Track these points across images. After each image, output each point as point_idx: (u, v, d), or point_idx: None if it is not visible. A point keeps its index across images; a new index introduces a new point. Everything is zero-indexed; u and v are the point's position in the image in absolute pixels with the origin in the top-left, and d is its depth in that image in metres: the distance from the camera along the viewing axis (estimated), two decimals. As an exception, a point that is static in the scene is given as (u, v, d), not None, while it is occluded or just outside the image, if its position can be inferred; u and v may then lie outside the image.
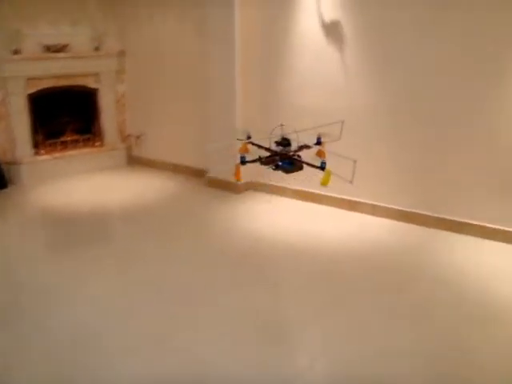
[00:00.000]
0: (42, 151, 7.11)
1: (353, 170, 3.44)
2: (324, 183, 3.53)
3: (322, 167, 3.54)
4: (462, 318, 3.53)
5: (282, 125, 3.70)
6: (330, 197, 5.70)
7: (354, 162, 3.42)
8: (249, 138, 3.89)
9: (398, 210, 5.29)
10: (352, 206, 5.57)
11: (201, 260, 4.47)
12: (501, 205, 4.76)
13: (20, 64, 6.70)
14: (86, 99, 7.51)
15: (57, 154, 7.19)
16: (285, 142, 3.68)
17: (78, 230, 5.28)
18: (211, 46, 6.08)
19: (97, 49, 7.25)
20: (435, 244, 4.80)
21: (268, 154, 3.73)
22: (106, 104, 7.56)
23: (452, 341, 3.27)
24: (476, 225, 4.88)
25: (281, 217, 5.51)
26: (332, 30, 5.34)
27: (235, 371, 2.95)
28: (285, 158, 3.67)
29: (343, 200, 5.63)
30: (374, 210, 5.43)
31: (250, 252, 4.62)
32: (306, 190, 5.86)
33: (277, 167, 3.73)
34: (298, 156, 3.68)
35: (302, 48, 5.59)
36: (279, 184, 6.04)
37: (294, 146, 3.68)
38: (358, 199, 5.54)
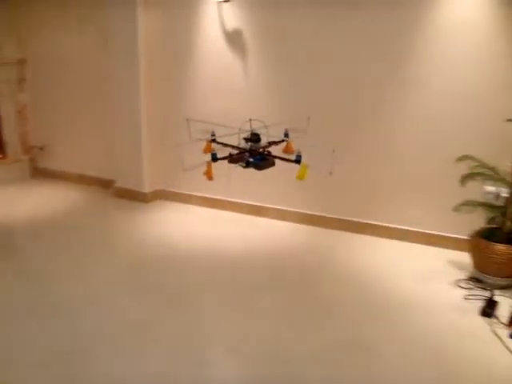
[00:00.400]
0: None
1: (331, 160, 3.33)
2: (300, 177, 3.35)
3: (298, 161, 3.35)
4: (363, 315, 3.64)
5: (250, 120, 3.53)
6: (237, 203, 5.74)
7: (333, 151, 3.35)
8: (213, 135, 3.74)
9: (303, 214, 5.40)
10: (258, 211, 5.63)
11: (97, 273, 4.36)
12: (400, 206, 4.95)
13: None
14: (-16, 109, 7.21)
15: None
16: (254, 138, 3.52)
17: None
18: (114, 55, 5.98)
19: (-6, 57, 6.99)
20: (338, 245, 4.94)
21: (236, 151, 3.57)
22: (7, 114, 7.26)
23: (352, 336, 3.35)
24: (375, 225, 5.07)
25: (188, 224, 5.48)
26: (233, 36, 5.38)
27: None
28: (255, 155, 3.51)
29: (249, 205, 5.68)
30: (279, 215, 5.51)
31: (152, 260, 4.55)
32: (213, 197, 5.87)
33: (248, 164, 3.54)
34: (268, 152, 3.54)
35: (206, 54, 5.59)
36: (186, 192, 6.02)
37: (263, 142, 3.56)
38: (263, 204, 5.60)
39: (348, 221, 5.20)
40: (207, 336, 3.38)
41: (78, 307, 3.75)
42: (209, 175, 3.43)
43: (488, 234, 4.13)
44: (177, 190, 6.11)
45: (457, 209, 4.19)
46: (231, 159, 3.51)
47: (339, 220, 5.23)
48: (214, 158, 3.37)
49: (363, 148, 5.00)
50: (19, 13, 7.08)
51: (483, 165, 4.14)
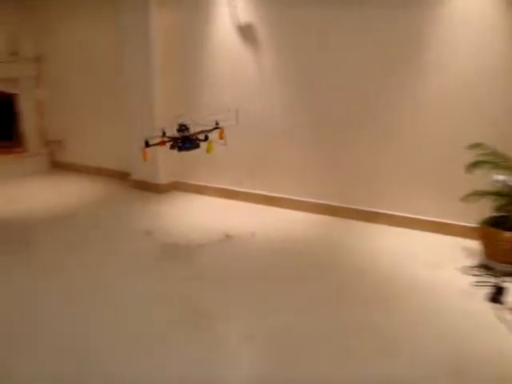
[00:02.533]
0: (-38, 159, 6.95)
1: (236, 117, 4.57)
2: (208, 151, 4.44)
3: (206, 138, 4.42)
4: (374, 299, 3.72)
5: (180, 114, 4.61)
6: (250, 193, 5.83)
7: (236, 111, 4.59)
8: (164, 133, 4.62)
9: (316, 203, 5.48)
10: (270, 201, 5.72)
11: (116, 262, 4.48)
12: (409, 195, 5.01)
13: None
14: (5, 105, 7.37)
15: (-22, 162, 7.05)
16: (183, 128, 4.50)
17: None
18: (127, 50, 6.11)
19: (14, 53, 7.13)
20: (351, 233, 5.01)
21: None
22: (26, 109, 7.44)
23: (363, 320, 3.44)
24: (387, 214, 5.13)
25: (202, 215, 5.59)
26: (246, 32, 5.46)
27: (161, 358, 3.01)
28: (184, 140, 4.49)
29: (262, 196, 5.76)
30: (293, 205, 5.59)
31: (170, 248, 4.67)
32: (227, 187, 5.97)
33: (179, 148, 4.52)
34: (196, 137, 4.48)
35: (219, 49, 5.69)
36: (201, 183, 6.14)
37: (193, 131, 4.49)
38: (276, 194, 5.69)
39: (360, 210, 5.26)
40: (225, 321, 3.50)
41: (96, 295, 3.89)
42: (145, 157, 4.44)
43: (497, 222, 4.19)
44: (191, 181, 6.23)
45: (465, 199, 4.25)
46: (171, 146, 4.56)
47: (352, 209, 5.29)
48: (147, 144, 4.43)
49: (375, 137, 5.06)
50: (37, 11, 7.24)
51: (494, 153, 4.19)
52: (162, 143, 4.60)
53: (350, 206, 5.31)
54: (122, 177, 6.78)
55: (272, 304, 3.70)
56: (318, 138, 5.33)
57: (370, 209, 5.22)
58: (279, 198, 5.69)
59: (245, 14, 5.43)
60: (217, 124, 4.62)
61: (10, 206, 6.01)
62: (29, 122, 7.48)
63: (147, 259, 4.52)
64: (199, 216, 5.55)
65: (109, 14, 6.45)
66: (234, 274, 4.19)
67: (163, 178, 6.25)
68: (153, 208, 5.82)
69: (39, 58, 7.37)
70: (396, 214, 5.11)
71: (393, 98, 4.90)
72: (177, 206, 5.88)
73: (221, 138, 4.58)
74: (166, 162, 6.24)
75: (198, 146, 4.53)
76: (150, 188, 6.30)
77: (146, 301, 3.76)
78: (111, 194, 6.39)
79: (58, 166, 7.56)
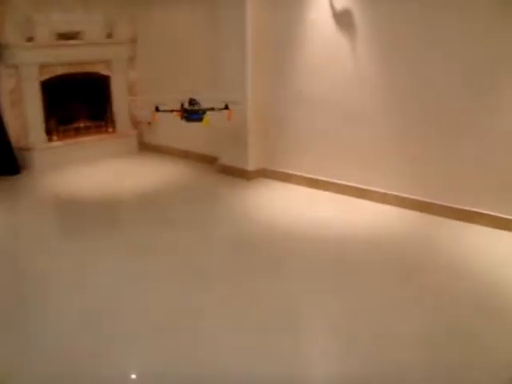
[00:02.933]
0: (55, 137, 7.17)
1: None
2: (204, 124, 5.60)
3: (203, 113, 5.51)
4: (471, 307, 3.55)
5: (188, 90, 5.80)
6: (340, 184, 5.72)
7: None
8: (157, 108, 5.65)
9: (409, 199, 5.29)
10: (361, 193, 5.59)
11: (211, 248, 4.52)
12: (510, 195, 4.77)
13: (33, 51, 6.76)
14: (97, 86, 7.56)
15: (69, 141, 7.26)
16: (193, 102, 5.53)
17: (88, 217, 5.37)
18: (222, 33, 6.11)
19: (109, 36, 7.29)
20: (445, 233, 4.81)
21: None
22: (118, 91, 7.61)
23: (459, 328, 3.31)
24: (485, 214, 4.89)
25: (291, 204, 5.55)
26: (343, 18, 5.34)
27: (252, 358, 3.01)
28: (192, 113, 5.54)
29: (353, 187, 5.64)
30: (384, 199, 5.44)
31: (261, 239, 4.67)
32: (316, 177, 5.89)
33: (187, 119, 5.60)
34: (203, 111, 5.50)
35: (312, 36, 5.59)
36: (290, 171, 6.08)
37: (203, 106, 5.53)
38: (367, 187, 5.55)
39: (455, 208, 5.04)
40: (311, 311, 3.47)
41: (182, 282, 3.93)
42: (153, 119, 5.84)
43: None
44: (279, 169, 6.18)
45: None
46: (181, 116, 5.61)
47: (446, 207, 5.08)
48: (157, 110, 5.60)
49: (481, 135, 4.81)
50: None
51: None
52: (171, 111, 5.61)
53: (445, 204, 5.08)
54: (209, 161, 6.82)
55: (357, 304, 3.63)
56: (416, 131, 5.14)
57: (467, 207, 4.99)
58: (370, 191, 5.54)
59: (342, 1, 5.31)
60: (226, 106, 5.54)
61: (99, 186, 6.19)
62: (120, 103, 7.65)
63: (232, 246, 4.52)
64: (286, 205, 5.52)
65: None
66: (315, 265, 4.14)
67: (251, 165, 6.23)
68: (240, 194, 5.84)
69: (133, 39, 7.50)
70: (495, 214, 4.85)
71: (503, 94, 4.65)
72: (264, 193, 5.88)
73: (229, 119, 5.57)
74: (255, 148, 6.22)
75: (200, 119, 5.55)
76: (238, 174, 6.30)
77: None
78: (198, 178, 6.47)
79: (147, 148, 7.71)
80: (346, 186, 5.69)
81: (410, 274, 4.01)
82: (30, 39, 6.66)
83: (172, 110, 5.60)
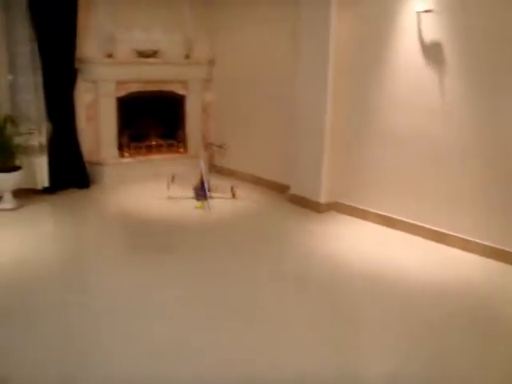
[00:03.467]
0: (127, 154, 7.17)
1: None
2: (198, 207, 6.04)
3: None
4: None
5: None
6: (417, 226, 5.34)
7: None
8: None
9: (495, 249, 4.84)
10: (440, 237, 5.19)
11: (276, 283, 4.27)
12: None
13: (111, 67, 6.82)
14: (172, 105, 7.53)
15: (140, 157, 7.23)
16: (203, 182, 6.22)
17: (155, 237, 5.25)
18: (302, 58, 5.91)
19: (187, 56, 7.25)
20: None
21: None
22: (192, 111, 7.55)
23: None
24: None
25: (362, 242, 5.22)
26: (432, 50, 5.01)
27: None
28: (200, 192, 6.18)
29: (431, 230, 5.26)
30: (466, 246, 5.02)
31: (328, 279, 4.38)
32: (392, 216, 5.54)
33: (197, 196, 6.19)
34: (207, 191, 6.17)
35: (396, 67, 5.29)
36: (363, 207, 5.78)
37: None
38: (447, 231, 5.16)
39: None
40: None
41: (246, 320, 3.69)
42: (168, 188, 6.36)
43: None
44: (352, 204, 5.87)
45: None
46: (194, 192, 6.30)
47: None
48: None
49: None
50: (213, 17, 7.32)
51: None
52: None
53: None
54: (279, 189, 6.60)
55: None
56: (509, 176, 4.74)
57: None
58: (449, 236, 5.13)
59: (432, 30, 5.00)
60: (232, 188, 6.39)
61: (166, 206, 6.14)
62: (193, 123, 7.58)
63: (298, 284, 4.28)
64: (359, 244, 5.18)
65: (287, 25, 6.31)
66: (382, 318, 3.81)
67: (324, 197, 5.96)
68: (310, 227, 5.56)
69: (211, 61, 7.43)
70: None
71: None
72: (335, 228, 5.56)
73: (233, 197, 6.37)
74: (329, 180, 5.94)
75: (205, 198, 6.14)
76: (309, 205, 6.03)
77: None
78: (267, 206, 6.26)
79: (216, 171, 7.58)
80: (424, 227, 5.30)
81: (497, 336, 3.62)
82: (109, 55, 6.70)
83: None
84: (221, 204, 6.21)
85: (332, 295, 4.10)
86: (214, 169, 7.63)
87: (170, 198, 6.27)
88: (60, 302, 3.85)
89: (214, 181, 6.52)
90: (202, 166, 6.31)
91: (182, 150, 7.55)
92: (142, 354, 3.18)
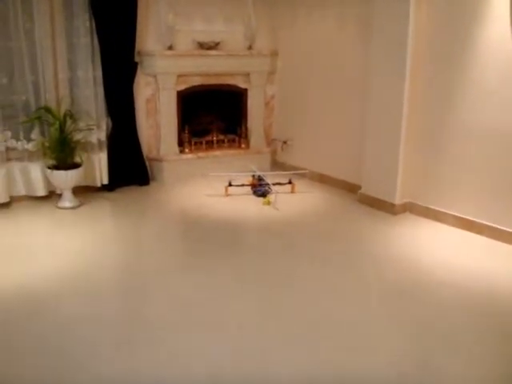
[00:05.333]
0: (187, 149, 6.93)
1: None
2: (264, 203, 5.87)
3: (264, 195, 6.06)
4: None
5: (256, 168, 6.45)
6: (500, 230, 4.86)
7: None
8: (253, 176, 6.42)
9: None
10: (528, 243, 4.72)
11: (351, 291, 3.93)
12: None
13: (172, 60, 6.57)
14: (234, 99, 7.25)
15: (201, 153, 6.98)
16: (260, 178, 6.31)
17: (216, 238, 4.99)
18: (376, 53, 5.49)
19: (250, 48, 6.94)
20: None
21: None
22: (255, 105, 7.24)
23: None
24: None
25: (441, 247, 4.78)
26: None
27: None
28: (260, 188, 6.18)
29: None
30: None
31: (407, 287, 3.99)
32: (471, 218, 5.07)
33: (255, 192, 6.14)
34: (269, 187, 6.13)
35: (487, 54, 4.80)
36: (440, 209, 5.32)
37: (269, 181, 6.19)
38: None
39: None
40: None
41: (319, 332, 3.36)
42: (225, 194, 6.13)
43: None
44: (429, 205, 5.42)
45: None
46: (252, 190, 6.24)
47: None
48: (230, 184, 6.11)
49: None
50: (277, 7, 7.01)
51: None
52: (243, 185, 6.21)
53: None
54: (349, 189, 6.20)
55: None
56: None
57: None
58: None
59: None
60: (290, 181, 6.30)
61: (227, 205, 5.90)
62: (256, 118, 7.28)
63: (378, 293, 3.91)
64: (439, 248, 4.76)
65: (356, 12, 5.92)
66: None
67: (398, 198, 5.53)
68: (385, 231, 5.16)
69: (274, 53, 7.10)
70: None
71: None
72: (412, 231, 5.13)
73: (293, 191, 6.25)
74: (404, 180, 5.51)
75: (268, 193, 6.04)
76: (382, 206, 5.61)
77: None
78: (337, 207, 5.88)
79: (279, 167, 7.23)
80: (507, 231, 4.83)
81: None
82: (170, 48, 6.46)
83: (243, 185, 6.22)
84: (284, 201, 5.91)
85: (417, 307, 3.73)
86: (277, 165, 7.30)
87: (228, 195, 6.12)
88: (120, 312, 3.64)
89: (273, 177, 6.34)
90: (253, 166, 6.48)
91: (243, 145, 7.25)
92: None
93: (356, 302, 3.79)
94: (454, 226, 5.21)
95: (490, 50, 4.75)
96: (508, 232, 4.79)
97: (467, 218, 5.11)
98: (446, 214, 5.28)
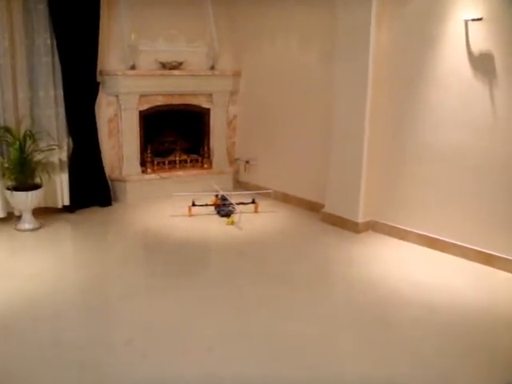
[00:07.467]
0: (150, 170, 6.88)
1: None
2: (228, 223, 5.84)
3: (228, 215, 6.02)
4: None
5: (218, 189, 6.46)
6: (462, 246, 4.97)
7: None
8: (216, 196, 6.48)
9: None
10: (489, 260, 4.82)
11: (317, 313, 3.92)
12: None
13: (134, 80, 6.55)
14: (196, 119, 7.25)
15: (163, 173, 6.93)
16: (224, 198, 6.29)
17: (180, 259, 4.93)
18: (338, 72, 5.59)
19: (212, 68, 6.96)
20: None
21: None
22: (217, 125, 7.25)
23: None
24: None
25: (404, 265, 4.85)
26: (480, 61, 4.66)
27: None
28: (223, 208, 6.15)
29: (478, 252, 4.88)
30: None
31: (371, 305, 4.02)
32: (435, 236, 5.16)
33: (218, 212, 6.12)
34: (232, 207, 6.11)
35: (443, 78, 4.94)
36: (403, 227, 5.40)
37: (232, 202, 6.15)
38: (495, 253, 4.78)
39: None
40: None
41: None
42: (189, 213, 6.09)
43: None
44: (392, 224, 5.51)
45: None
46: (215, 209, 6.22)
47: None
48: (193, 204, 6.09)
49: None
50: (240, 28, 7.06)
51: None
52: (206, 205, 6.19)
53: None
54: (313, 208, 6.23)
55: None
56: None
57: None
58: (497, 257, 4.77)
59: (481, 40, 4.64)
60: (253, 200, 6.27)
61: (190, 224, 5.86)
62: (219, 138, 7.28)
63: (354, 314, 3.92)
64: (403, 266, 4.83)
65: (320, 38, 6.02)
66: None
67: (361, 216, 5.60)
68: (348, 249, 5.21)
69: (237, 73, 7.14)
70: None
71: None
72: (375, 249, 5.20)
73: (256, 211, 6.20)
74: (367, 198, 5.58)
75: (232, 213, 5.99)
76: (345, 225, 5.66)
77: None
78: (300, 226, 5.91)
79: (243, 187, 7.24)
80: (470, 249, 4.92)
81: None
82: (132, 67, 6.44)
83: (207, 204, 6.21)
84: (248, 221, 5.91)
85: (381, 324, 3.76)
86: (240, 185, 7.31)
87: (191, 215, 6.07)
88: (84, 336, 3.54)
89: (236, 197, 6.33)
90: (216, 186, 6.50)
91: (206, 165, 7.23)
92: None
93: (320, 322, 3.78)
94: (416, 243, 5.30)
95: (448, 72, 4.90)
96: (470, 249, 4.90)
97: (430, 235, 5.21)
98: (408, 231, 5.37)
